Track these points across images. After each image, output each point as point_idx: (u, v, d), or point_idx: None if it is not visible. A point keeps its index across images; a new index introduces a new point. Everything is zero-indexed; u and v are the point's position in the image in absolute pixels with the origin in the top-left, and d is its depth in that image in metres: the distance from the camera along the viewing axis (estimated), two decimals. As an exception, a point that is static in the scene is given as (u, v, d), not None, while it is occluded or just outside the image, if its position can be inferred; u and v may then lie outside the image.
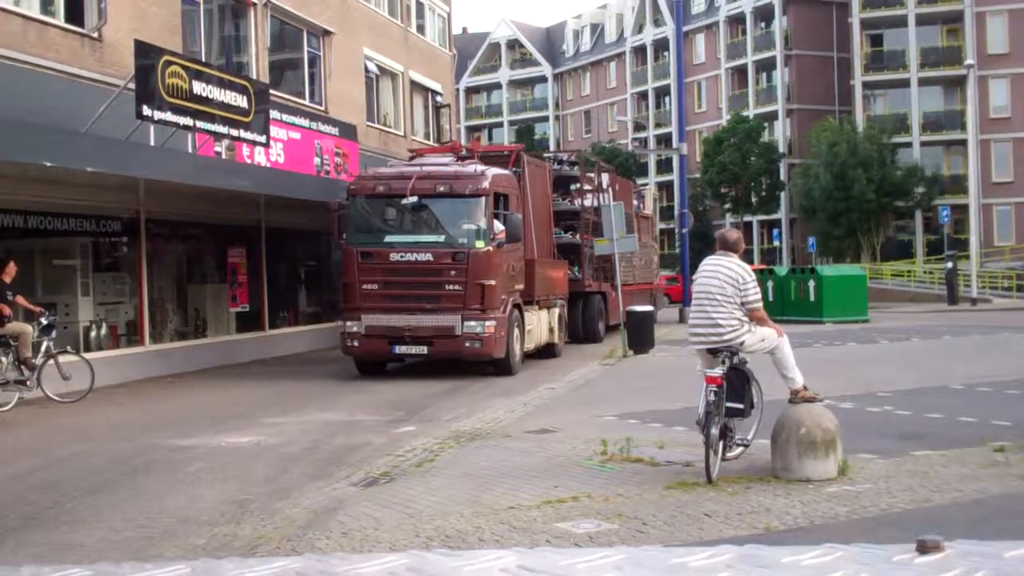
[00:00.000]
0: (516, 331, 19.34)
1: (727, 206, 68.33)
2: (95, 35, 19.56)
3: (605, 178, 30.26)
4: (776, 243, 69.07)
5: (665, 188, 79.91)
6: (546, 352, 22.29)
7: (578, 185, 28.16)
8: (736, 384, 9.05)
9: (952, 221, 50.79)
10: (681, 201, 39.62)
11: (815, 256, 60.59)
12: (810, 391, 9.27)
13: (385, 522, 7.66)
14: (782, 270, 39.66)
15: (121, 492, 9.36)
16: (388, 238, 18.60)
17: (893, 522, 7.45)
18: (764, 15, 72.25)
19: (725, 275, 9.11)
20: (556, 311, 23.09)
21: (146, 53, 17.68)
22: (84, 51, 19.29)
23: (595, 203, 27.89)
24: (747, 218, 68.47)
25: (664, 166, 79.27)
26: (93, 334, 19.23)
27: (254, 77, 24.09)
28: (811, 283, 33.84)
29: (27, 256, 17.39)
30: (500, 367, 18.93)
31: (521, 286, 20.08)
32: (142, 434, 12.69)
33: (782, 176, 68.17)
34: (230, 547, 7.19)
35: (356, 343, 18.46)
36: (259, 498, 8.93)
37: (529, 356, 20.81)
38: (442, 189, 18.45)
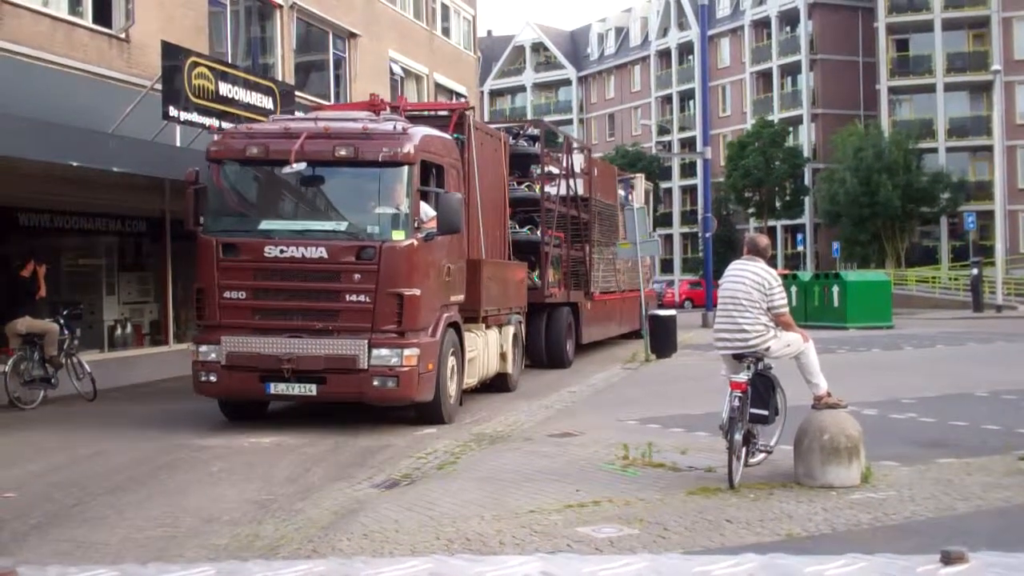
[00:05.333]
0: (452, 361, 13.74)
1: (751, 210, 68.17)
2: (122, 36, 19.68)
3: (577, 159, 24.60)
4: (800, 248, 68.84)
5: (689, 192, 79.78)
6: (495, 384, 16.75)
7: (540, 167, 22.27)
8: (761, 390, 9.02)
9: (977, 227, 50.52)
10: (705, 205, 39.49)
11: (839, 261, 60.35)
12: (834, 397, 9.24)
13: (406, 524, 7.67)
14: (806, 275, 39.55)
15: (143, 491, 9.41)
16: (263, 224, 13.01)
17: (917, 530, 7.41)
18: (789, 19, 72.03)
19: (752, 280, 9.09)
20: (510, 330, 17.23)
21: (173, 54, 17.78)
22: (111, 52, 19.42)
23: (565, 190, 22.69)
24: (771, 223, 68.26)
25: (688, 170, 79.10)
26: (118, 333, 19.35)
27: (280, 79, 24.17)
28: (835, 288, 33.69)
29: (53, 255, 17.50)
30: (426, 413, 13.31)
31: (461, 296, 14.39)
32: (165, 433, 12.75)
33: (806, 181, 67.95)
34: (252, 547, 7.22)
35: (213, 377, 12.70)
36: (281, 498, 8.96)
37: (471, 391, 15.47)
38: (343, 153, 12.66)
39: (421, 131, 13.54)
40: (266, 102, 20.18)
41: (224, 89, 18.85)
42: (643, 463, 9.90)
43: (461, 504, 8.33)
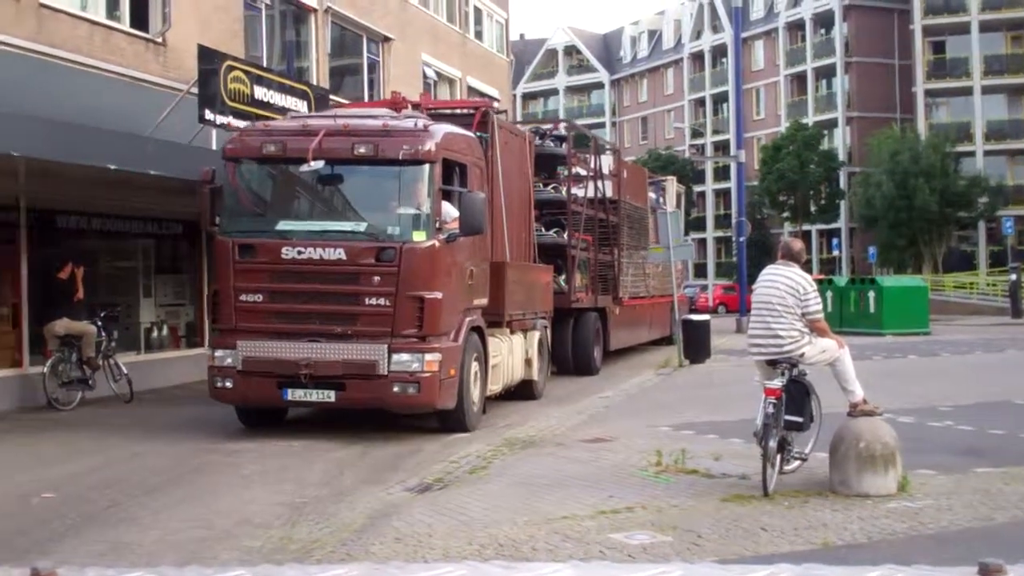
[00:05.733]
0: (475, 367, 13.38)
1: (785, 214, 67.80)
2: (159, 40, 19.84)
3: (606, 161, 23.96)
4: (835, 253, 68.42)
5: (722, 196, 79.49)
6: (520, 392, 16.28)
7: (567, 168, 21.84)
8: (796, 396, 8.96)
9: (1016, 232, 50.00)
10: (739, 209, 39.32)
11: (875, 266, 59.91)
12: (870, 405, 9.16)
13: (438, 529, 7.67)
14: (842, 280, 39.29)
15: (178, 493, 9.48)
16: (280, 225, 12.69)
17: (953, 540, 7.34)
18: (824, 22, 71.64)
19: (786, 285, 9.03)
20: (536, 335, 16.69)
21: (209, 58, 17.91)
22: (148, 56, 19.57)
23: (593, 192, 22.24)
24: (806, 227, 67.84)
25: (722, 173, 78.82)
26: (154, 335, 19.50)
27: (314, 82, 24.28)
28: (871, 294, 33.45)
29: (91, 257, 17.64)
30: (448, 420, 12.97)
31: (484, 300, 14.00)
32: (199, 435, 12.83)
33: (842, 185, 67.51)
34: (285, 550, 7.25)
35: (229, 382, 12.44)
36: (314, 501, 9.00)
37: (495, 399, 15.03)
38: (363, 151, 12.31)
39: (443, 128, 13.19)
40: (301, 106, 20.27)
41: (259, 93, 18.96)
42: (676, 469, 9.86)
43: (493, 509, 8.33)
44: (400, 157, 12.34)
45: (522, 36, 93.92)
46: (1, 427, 13.93)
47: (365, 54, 29.31)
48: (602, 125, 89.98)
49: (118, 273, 19.41)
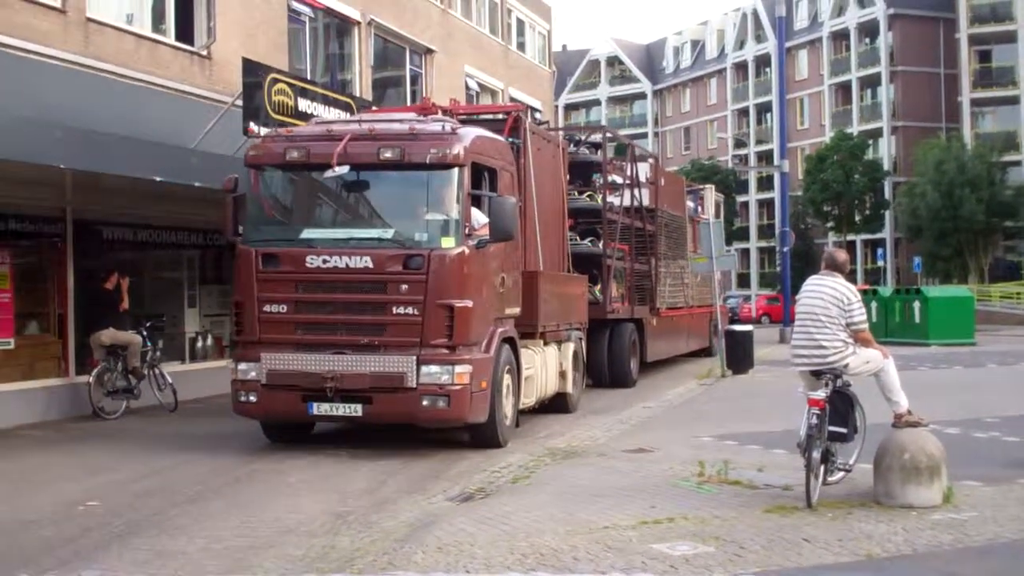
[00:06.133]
0: (507, 379, 12.87)
1: (830, 224, 67.31)
2: (204, 53, 20.06)
3: (643, 168, 23.39)
4: (880, 263, 67.86)
5: (766, 206, 79.08)
6: (554, 405, 15.71)
7: (602, 176, 21.22)
8: (839, 407, 8.89)
9: (1064, 242, 49.37)
10: (782, 219, 39.09)
11: (920, 276, 59.39)
12: (914, 415, 9.08)
13: (480, 538, 7.67)
14: (886, 290, 38.96)
15: (221, 501, 9.54)
16: (304, 233, 12.31)
17: (999, 553, 7.25)
18: (868, 31, 71.19)
19: (830, 295, 8.97)
20: (570, 346, 16.17)
21: (253, 71, 18.07)
22: (193, 68, 19.79)
23: (630, 201, 21.67)
24: (850, 237, 67.38)
25: (765, 183, 78.42)
26: (199, 345, 19.67)
27: (357, 94, 24.44)
28: (916, 304, 33.14)
29: (136, 268, 17.84)
30: (479, 435, 12.52)
31: (517, 310, 13.57)
32: (243, 444, 12.91)
33: (887, 194, 66.95)
34: (328, 559, 7.28)
35: (253, 397, 12.06)
36: (357, 510, 9.03)
37: (528, 412, 14.52)
38: (389, 155, 11.98)
39: (472, 132, 12.80)
40: (344, 118, 20.40)
41: (303, 105, 19.10)
42: (719, 480, 9.81)
43: (535, 518, 8.32)
44: (428, 161, 11.96)
45: (564, 47, 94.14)
46: (47, 435, 14.12)
47: (408, 66, 29.46)
48: (644, 135, 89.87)
49: (163, 283, 19.60)
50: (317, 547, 7.67)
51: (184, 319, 19.41)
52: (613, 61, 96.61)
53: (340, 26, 26.06)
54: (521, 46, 39.11)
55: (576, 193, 20.18)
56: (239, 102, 17.95)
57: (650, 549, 7.28)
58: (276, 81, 18.46)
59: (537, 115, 38.64)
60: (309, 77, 22.82)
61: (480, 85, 34.14)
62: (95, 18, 17.40)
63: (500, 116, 16.09)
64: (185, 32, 19.95)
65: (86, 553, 7.64)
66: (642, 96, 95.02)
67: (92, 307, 16.20)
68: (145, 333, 16.38)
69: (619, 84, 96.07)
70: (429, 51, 29.96)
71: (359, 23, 26.21)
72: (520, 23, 39.02)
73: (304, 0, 23.76)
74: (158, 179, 15.18)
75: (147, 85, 18.27)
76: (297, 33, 23.88)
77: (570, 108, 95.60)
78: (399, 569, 6.89)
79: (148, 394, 16.28)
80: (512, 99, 36.43)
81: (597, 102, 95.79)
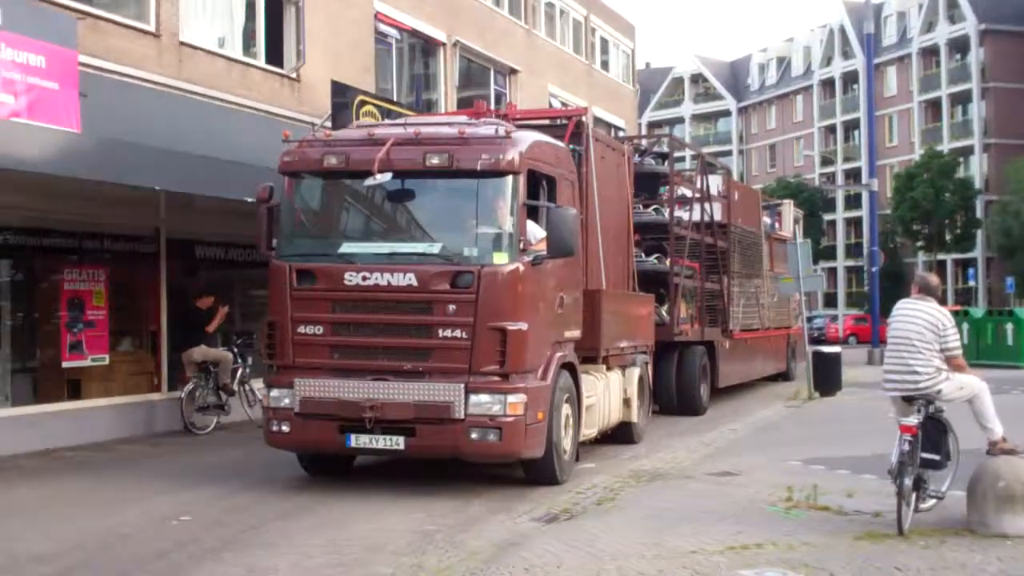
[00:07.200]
0: (566, 409, 11.62)
1: (919, 243, 66.10)
2: (293, 75, 20.40)
3: (714, 181, 22.17)
4: (971, 283, 66.42)
5: (853, 224, 77.99)
6: (617, 435, 14.55)
7: (670, 188, 20.09)
8: (932, 434, 8.74)
9: None
10: (871, 239, 38.50)
11: (1013, 297, 57.97)
12: (1009, 443, 8.89)
13: (567, 561, 7.67)
14: (978, 312, 38.12)
15: (310, 518, 9.65)
16: (343, 248, 11.16)
17: (1102, 585, 7.06)
18: (959, 46, 69.93)
19: (925, 320, 8.83)
20: (635, 371, 14.92)
21: (341, 92, 18.39)
22: (283, 90, 20.14)
23: (700, 215, 20.66)
24: (940, 256, 66.08)
25: (853, 201, 77.32)
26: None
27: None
28: (1009, 326, 32.41)
29: (227, 286, 18.16)
30: (534, 471, 11.34)
31: (577, 333, 12.29)
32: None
33: (978, 213, 65.56)
34: (416, 578, 7.34)
35: (286, 427, 10.97)
36: (443, 529, 9.08)
37: (588, 443, 13.23)
38: (436, 161, 10.81)
39: (529, 136, 11.63)
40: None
41: (390, 125, 19.31)
42: (807, 505, 9.70)
43: (622, 542, 8.30)
44: (479, 168, 10.75)
45: (648, 65, 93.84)
46: (140, 449, 14.45)
47: (492, 86, 29.65)
48: (729, 153, 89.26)
49: (253, 301, 19.91)
50: (405, 565, 7.73)
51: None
52: (697, 78, 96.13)
53: (425, 47, 26.36)
54: (604, 64, 39.15)
55: (641, 207, 19.05)
56: (327, 123, 18.21)
57: (738, 575, 7.22)
58: (364, 103, 18.73)
59: (620, 134, 38.60)
60: (395, 97, 23.09)
61: (564, 104, 34.21)
62: (188, 42, 17.81)
63: (560, 121, 14.74)
64: (275, 55, 20.33)
65: (180, 568, 7.79)
66: (726, 113, 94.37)
67: (184, 324, 16.55)
68: (236, 350, 16.69)
69: (703, 101, 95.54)
70: (513, 71, 30.15)
71: (444, 44, 26.47)
72: (604, 42, 39.08)
73: (391, 22, 24.07)
74: (249, 200, 15.43)
75: (238, 107, 18.64)
76: (383, 54, 24.19)
77: (653, 126, 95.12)
78: (486, 590, 6.92)
79: (238, 410, 16.57)
80: (596, 118, 36.46)
81: (681, 119, 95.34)
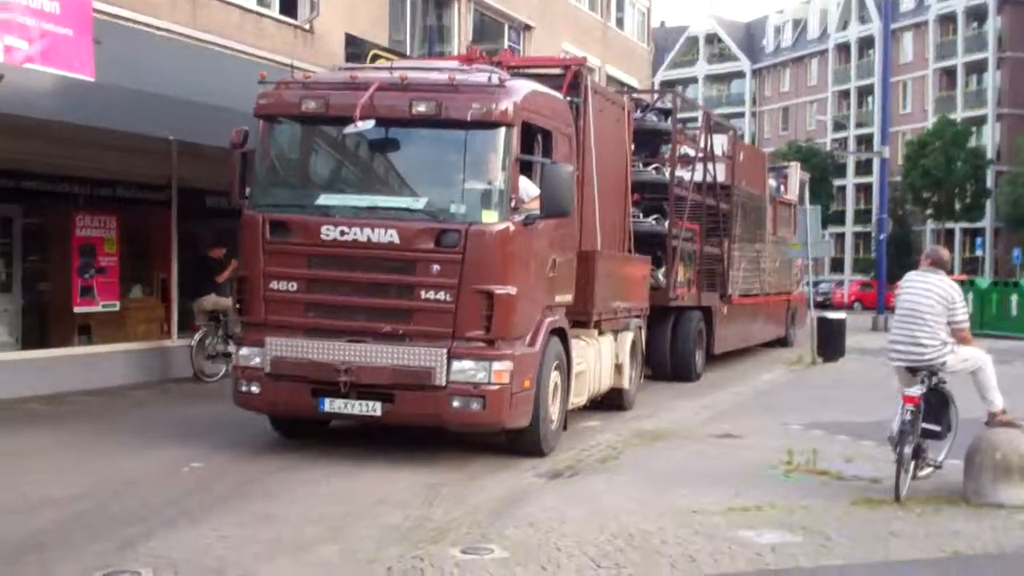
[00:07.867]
0: (555, 377, 10.94)
1: (928, 212, 65.97)
2: (307, 27, 20.38)
3: (719, 140, 20.94)
4: (979, 253, 66.37)
5: (863, 190, 77.80)
6: (607, 401, 13.90)
7: (671, 146, 19.03)
8: (935, 405, 8.88)
9: None
10: (880, 206, 38.49)
11: (1020, 268, 57.94)
12: (1009, 415, 9.02)
13: (570, 516, 7.83)
14: (984, 282, 38.19)
15: (318, 469, 9.74)
16: (320, 199, 10.38)
17: (1093, 556, 7.19)
18: (977, 14, 69.45)
19: (936, 293, 8.91)
20: (628, 336, 14.33)
21: (355, 45, 18.37)
22: (296, 42, 20.13)
23: (702, 175, 19.50)
24: (948, 225, 65.98)
25: (863, 167, 77.12)
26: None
27: (456, 69, 24.60)
28: (1014, 297, 32.48)
29: (234, 237, 18.16)
30: (519, 441, 10.66)
31: (569, 297, 11.56)
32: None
33: (989, 183, 65.37)
34: (423, 528, 7.48)
35: (255, 387, 10.36)
36: (449, 483, 9.21)
37: (577, 410, 12.46)
38: (422, 109, 10.00)
39: (524, 85, 10.80)
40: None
41: (403, 80, 19.31)
42: (806, 469, 9.85)
43: (624, 499, 8.46)
44: (469, 118, 9.93)
45: (663, 23, 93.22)
46: (150, 396, 14.63)
47: (506, 41, 29.54)
48: (741, 115, 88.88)
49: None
50: (412, 517, 7.86)
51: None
52: (712, 39, 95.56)
53: (440, 0, 26.26)
54: (620, 22, 38.92)
55: (641, 165, 18.14)
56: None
57: (737, 536, 7.38)
58: (377, 57, 18.73)
59: (633, 94, 38.48)
60: (408, 50, 23.07)
61: (577, 62, 34.11)
62: (204, -9, 17.82)
63: (558, 70, 13.63)
64: (289, 6, 20.31)
65: (191, 514, 7.93)
66: (740, 75, 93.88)
67: (196, 273, 16.67)
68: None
69: (717, 62, 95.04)
70: (527, 27, 30.03)
71: (459, -2, 26.39)
72: (619, 0, 38.86)
73: (405, -26, 23.99)
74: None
75: (251, 57, 18.63)
76: (397, 6, 24.12)
77: (666, 85, 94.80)
78: (492, 543, 7.08)
79: (246, 359, 16.70)
80: (609, 76, 36.33)
81: (694, 80, 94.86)
